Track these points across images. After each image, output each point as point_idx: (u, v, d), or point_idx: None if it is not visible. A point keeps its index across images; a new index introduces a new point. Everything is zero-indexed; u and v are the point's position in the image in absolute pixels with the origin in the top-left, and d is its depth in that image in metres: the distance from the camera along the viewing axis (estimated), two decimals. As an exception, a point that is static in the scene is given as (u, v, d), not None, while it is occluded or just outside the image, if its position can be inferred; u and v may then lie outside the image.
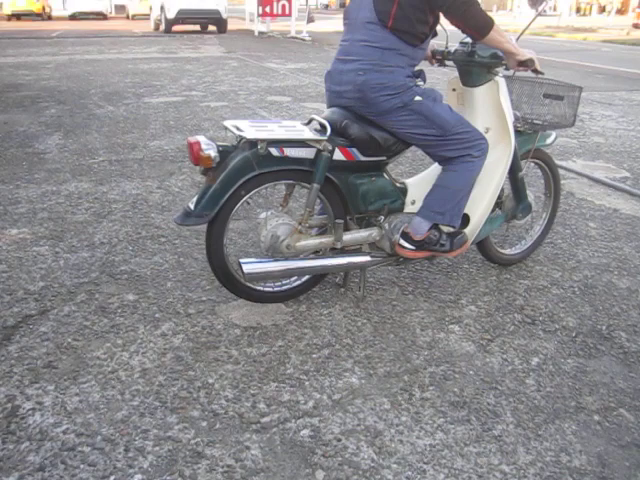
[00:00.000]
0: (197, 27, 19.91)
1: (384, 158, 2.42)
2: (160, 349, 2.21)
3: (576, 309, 2.57)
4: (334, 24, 25.79)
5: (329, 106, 2.44)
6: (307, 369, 2.11)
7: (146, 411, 1.88)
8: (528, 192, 2.85)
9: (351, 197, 2.40)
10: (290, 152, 2.23)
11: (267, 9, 16.93)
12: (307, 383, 2.03)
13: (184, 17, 17.59)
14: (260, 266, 2.28)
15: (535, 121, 2.69)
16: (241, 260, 2.27)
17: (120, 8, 31.30)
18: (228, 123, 2.25)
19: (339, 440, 1.78)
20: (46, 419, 1.83)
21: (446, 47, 2.54)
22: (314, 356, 2.19)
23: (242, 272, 2.26)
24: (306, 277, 2.48)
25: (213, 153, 2.15)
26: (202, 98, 7.31)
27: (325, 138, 2.23)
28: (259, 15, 17.19)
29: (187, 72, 9.66)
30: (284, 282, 2.50)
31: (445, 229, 2.48)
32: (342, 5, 54.94)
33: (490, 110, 2.51)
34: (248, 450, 1.73)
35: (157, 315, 2.44)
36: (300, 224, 2.34)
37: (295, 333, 2.33)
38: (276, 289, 2.49)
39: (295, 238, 2.33)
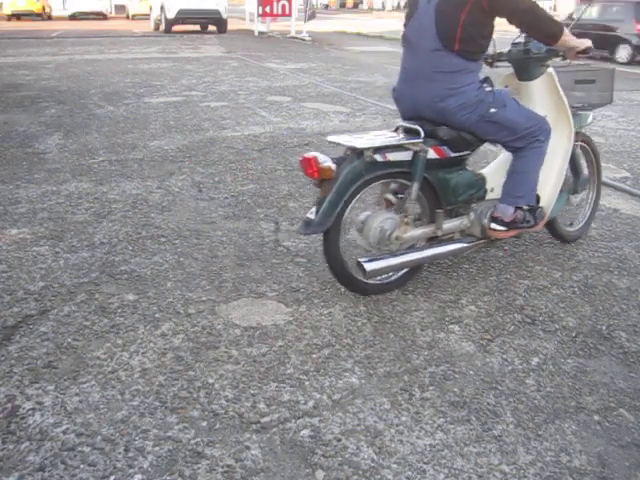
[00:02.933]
0: (197, 27, 19.91)
1: (469, 152, 2.69)
2: (160, 349, 2.21)
3: (576, 309, 2.57)
4: (334, 24, 25.80)
5: (406, 117, 2.69)
6: (307, 369, 2.11)
7: (146, 411, 1.88)
8: (582, 166, 3.14)
9: (443, 191, 2.64)
10: (391, 156, 2.46)
11: (267, 9, 16.94)
12: (307, 383, 2.03)
13: (184, 17, 17.60)
14: (378, 263, 2.49)
15: (575, 104, 2.94)
16: (360, 259, 2.46)
17: (120, 8, 31.29)
18: (332, 138, 2.49)
19: (339, 440, 1.78)
20: (46, 419, 1.83)
21: (495, 50, 2.74)
22: (314, 356, 2.19)
23: (363, 270, 2.45)
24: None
25: (332, 164, 2.37)
26: (202, 98, 7.31)
27: (421, 140, 2.47)
28: (259, 15, 17.20)
29: (187, 72, 9.66)
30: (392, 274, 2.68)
31: (526, 207, 2.74)
32: (342, 5, 54.91)
33: (547, 99, 2.78)
34: (248, 450, 1.73)
35: (157, 315, 2.44)
36: (406, 217, 2.56)
37: (295, 333, 2.33)
38: (385, 281, 2.67)
39: (402, 230, 2.56)
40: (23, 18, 25.74)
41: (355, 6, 54.40)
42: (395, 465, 1.69)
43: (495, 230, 2.70)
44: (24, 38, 15.84)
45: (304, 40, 16.76)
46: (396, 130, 2.60)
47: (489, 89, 2.50)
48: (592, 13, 13.21)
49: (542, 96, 2.75)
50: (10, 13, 25.24)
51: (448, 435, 1.81)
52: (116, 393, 1.96)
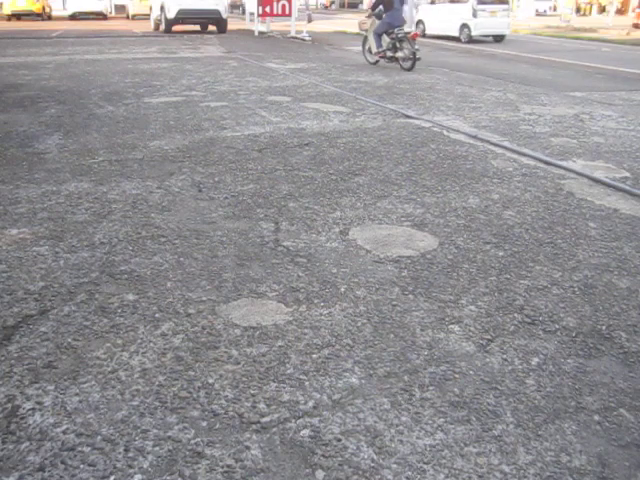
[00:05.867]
0: (197, 27, 19.90)
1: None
2: (160, 349, 2.21)
3: (576, 309, 2.57)
4: (334, 24, 25.78)
5: (394, 28, 9.95)
6: (307, 369, 2.11)
7: (146, 411, 1.88)
8: None
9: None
10: (399, 34, 10.12)
11: (267, 9, 16.95)
12: (307, 383, 2.03)
13: (184, 17, 17.62)
14: None
15: None
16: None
17: (120, 8, 31.33)
18: None
19: (339, 440, 1.78)
20: (46, 419, 1.83)
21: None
22: (314, 356, 2.19)
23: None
24: None
25: None
26: (202, 98, 7.31)
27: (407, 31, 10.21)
28: (259, 15, 17.20)
29: (187, 72, 9.66)
30: None
31: None
32: (342, 5, 54.96)
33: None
34: (248, 450, 1.73)
35: (157, 315, 2.44)
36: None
37: (295, 333, 2.33)
38: None
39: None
40: (23, 18, 25.77)
41: (355, 6, 54.48)
42: (395, 465, 1.69)
43: None
44: (24, 38, 15.84)
45: (304, 40, 16.76)
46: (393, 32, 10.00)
47: None
48: None
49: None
50: (10, 13, 25.26)
51: (448, 435, 1.81)
52: (116, 393, 1.96)
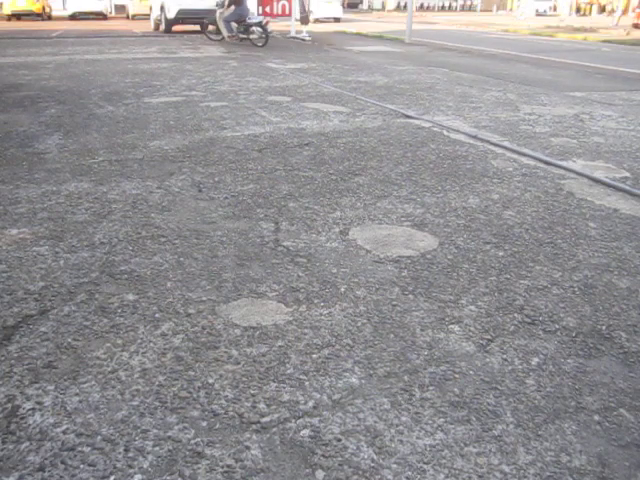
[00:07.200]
0: (197, 27, 19.90)
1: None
2: (160, 349, 2.21)
3: (576, 309, 2.57)
4: (334, 24, 25.77)
5: (243, 19, 14.56)
6: (307, 369, 2.11)
7: (146, 411, 1.88)
8: None
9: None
10: (251, 22, 14.91)
11: (267, 9, 16.95)
12: (307, 383, 2.03)
13: (184, 17, 17.63)
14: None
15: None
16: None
17: (120, 8, 31.36)
18: None
19: (339, 440, 1.78)
20: (46, 419, 1.83)
21: None
22: (314, 356, 2.19)
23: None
24: None
25: None
26: (202, 98, 7.31)
27: (260, 20, 14.95)
28: (259, 15, 17.19)
29: (187, 72, 9.66)
30: None
31: None
32: (342, 5, 55.07)
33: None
34: (248, 450, 1.73)
35: (157, 315, 2.44)
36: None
37: (295, 333, 2.33)
38: None
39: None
40: (23, 18, 25.78)
41: (355, 6, 54.59)
42: (395, 465, 1.69)
43: None
44: (24, 38, 15.84)
45: (304, 40, 16.76)
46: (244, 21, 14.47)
47: None
48: None
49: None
50: (10, 13, 25.28)
51: (448, 435, 1.81)
52: (116, 393, 1.96)
